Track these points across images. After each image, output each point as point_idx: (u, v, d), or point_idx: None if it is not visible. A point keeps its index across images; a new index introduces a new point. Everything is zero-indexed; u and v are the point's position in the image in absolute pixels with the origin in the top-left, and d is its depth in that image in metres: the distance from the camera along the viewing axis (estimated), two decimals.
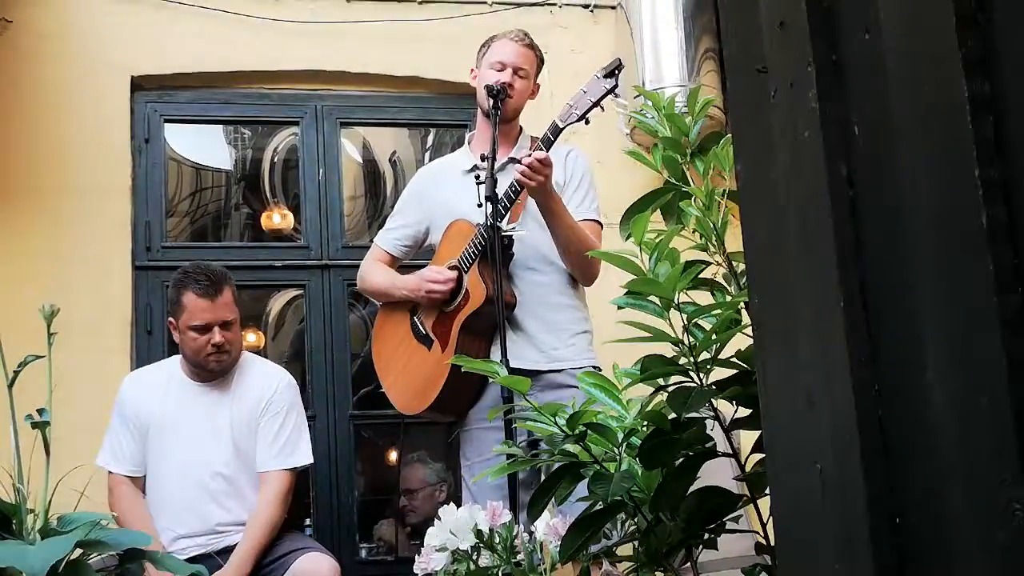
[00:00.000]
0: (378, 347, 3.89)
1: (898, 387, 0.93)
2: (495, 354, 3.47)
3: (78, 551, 2.17)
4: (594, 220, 3.65)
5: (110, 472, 3.66)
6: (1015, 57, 0.85)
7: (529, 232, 3.56)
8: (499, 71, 3.65)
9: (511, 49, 3.70)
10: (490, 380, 3.34)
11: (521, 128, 3.81)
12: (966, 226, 0.84)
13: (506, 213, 3.46)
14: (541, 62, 3.78)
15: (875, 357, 0.94)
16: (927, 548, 0.90)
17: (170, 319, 3.76)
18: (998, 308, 0.81)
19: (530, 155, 3.39)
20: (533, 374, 3.27)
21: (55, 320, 2.38)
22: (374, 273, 3.85)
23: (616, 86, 3.40)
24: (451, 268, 3.61)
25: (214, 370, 3.68)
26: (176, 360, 3.82)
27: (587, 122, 3.43)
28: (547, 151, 3.44)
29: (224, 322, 3.63)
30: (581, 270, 3.62)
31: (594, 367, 3.45)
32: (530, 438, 3.07)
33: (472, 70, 3.80)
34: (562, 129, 3.43)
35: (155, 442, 3.69)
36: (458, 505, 2.13)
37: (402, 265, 3.94)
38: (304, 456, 3.76)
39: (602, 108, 3.48)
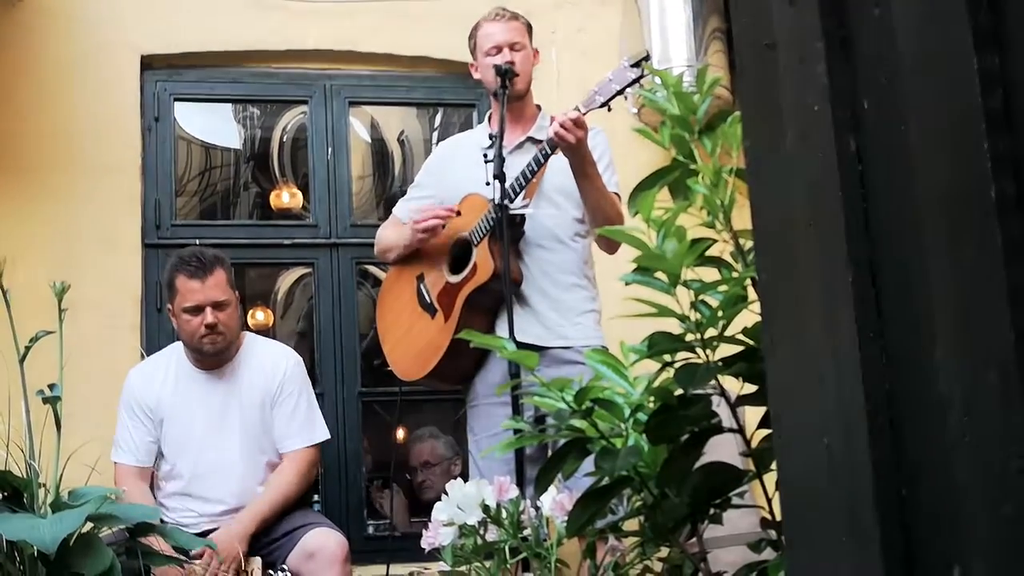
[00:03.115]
0: (382, 310, 3.92)
1: (906, 362, 0.93)
2: (499, 329, 3.49)
3: (89, 525, 2.19)
4: (615, 193, 3.66)
5: (116, 463, 3.67)
6: None
7: (541, 211, 3.57)
8: (496, 55, 3.66)
9: (496, 29, 3.72)
10: (497, 355, 3.40)
11: (539, 107, 3.82)
12: (976, 200, 0.84)
13: (521, 191, 3.47)
14: (529, 27, 3.79)
15: (883, 332, 0.94)
16: (934, 522, 0.91)
17: (168, 305, 3.79)
18: (1007, 282, 0.81)
19: (565, 114, 3.40)
20: (539, 349, 3.28)
21: (65, 297, 2.39)
22: (387, 233, 3.88)
23: (643, 76, 3.39)
24: (462, 240, 3.62)
25: (209, 352, 3.69)
26: (179, 347, 3.83)
27: (609, 109, 3.43)
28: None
29: (216, 302, 3.65)
30: (606, 240, 3.63)
31: (602, 347, 3.46)
32: (537, 413, 3.09)
33: (472, 65, 3.81)
34: (584, 114, 3.43)
35: (168, 431, 3.72)
36: (466, 480, 2.14)
37: None
38: (322, 432, 3.81)
39: (626, 97, 3.48)
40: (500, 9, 3.78)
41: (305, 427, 3.76)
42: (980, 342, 0.85)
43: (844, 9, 1.00)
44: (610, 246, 3.63)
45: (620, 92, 3.40)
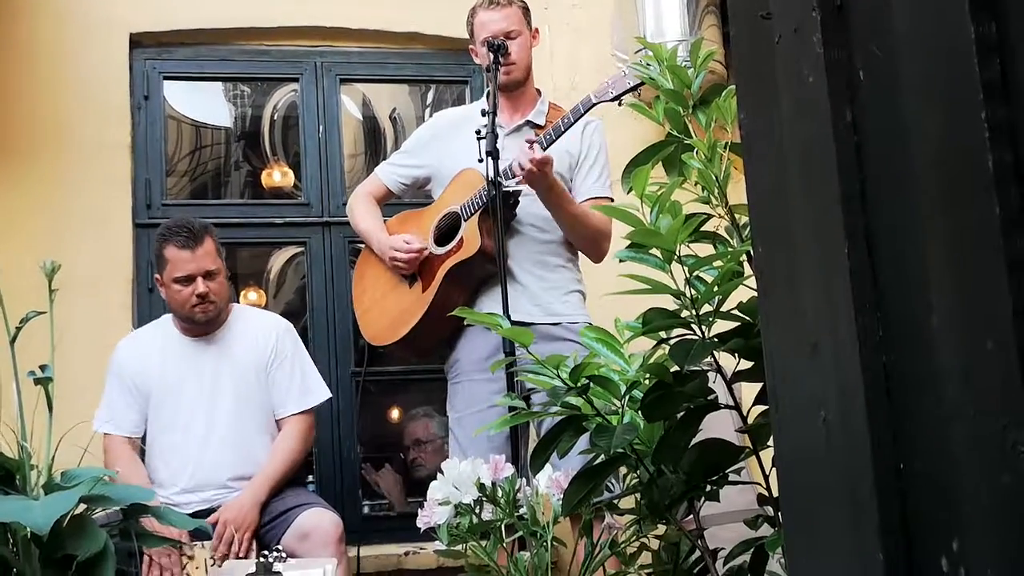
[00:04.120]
0: (360, 274, 3.93)
1: (903, 333, 0.92)
2: (480, 305, 3.50)
3: (82, 506, 2.18)
4: (607, 197, 3.65)
5: (106, 434, 3.67)
6: None
7: (534, 193, 3.56)
8: (489, 42, 3.63)
9: (490, 18, 3.70)
10: (479, 330, 3.41)
11: (540, 91, 3.80)
12: (972, 169, 0.83)
13: (513, 175, 3.46)
14: (525, 9, 3.76)
15: (879, 303, 0.93)
16: (932, 494, 0.90)
17: (156, 276, 3.79)
18: (1004, 251, 0.81)
19: (530, 145, 3.38)
20: (528, 326, 3.28)
21: (56, 277, 2.38)
22: (361, 213, 3.89)
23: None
24: (451, 215, 3.61)
25: (200, 321, 3.70)
26: (168, 319, 3.84)
27: (620, 103, 3.41)
28: (574, 122, 3.44)
29: (207, 272, 3.67)
30: (590, 251, 3.64)
31: (588, 324, 3.46)
32: (523, 391, 3.09)
33: (471, 49, 3.79)
34: (594, 105, 3.42)
35: (157, 401, 3.71)
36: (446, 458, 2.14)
37: (396, 203, 4.00)
38: (320, 393, 3.85)
39: (638, 94, 3.47)
40: None
41: (301, 392, 3.79)
42: (978, 312, 0.85)
43: None
44: (594, 255, 3.65)
45: (634, 88, 3.39)
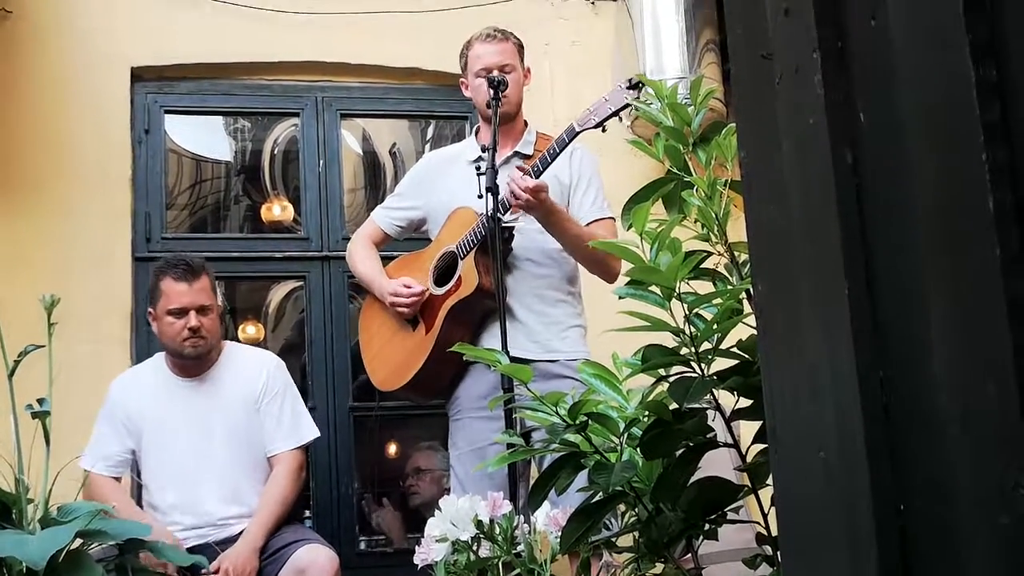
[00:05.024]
0: (366, 321, 3.94)
1: (903, 374, 0.92)
2: (482, 343, 3.49)
3: (78, 541, 2.17)
4: (608, 218, 3.65)
5: (90, 471, 3.65)
6: (1023, 41, 0.84)
7: (530, 226, 3.56)
8: (487, 77, 3.64)
9: (487, 51, 3.70)
10: (489, 368, 3.40)
11: (526, 123, 3.81)
12: (973, 211, 0.84)
13: (508, 209, 3.46)
14: (520, 46, 3.77)
15: (880, 344, 0.94)
16: (931, 535, 0.90)
17: (149, 309, 3.79)
18: (1005, 293, 0.81)
19: (523, 174, 3.39)
20: (526, 363, 3.27)
21: (55, 311, 2.38)
22: (361, 258, 3.91)
23: (638, 98, 3.39)
24: (448, 254, 3.62)
25: (190, 355, 3.70)
26: (160, 357, 3.84)
27: (604, 130, 3.42)
28: (560, 152, 3.44)
29: (201, 307, 3.68)
30: (601, 272, 3.63)
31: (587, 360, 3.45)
32: (523, 428, 3.08)
33: (462, 82, 3.80)
34: (578, 133, 3.42)
35: (150, 441, 3.70)
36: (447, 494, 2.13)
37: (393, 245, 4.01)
38: (309, 431, 3.84)
39: (620, 118, 3.47)
40: (492, 29, 3.76)
41: (292, 429, 3.78)
42: (978, 354, 0.85)
43: (841, 19, 0.99)
44: (605, 275, 3.62)
45: (615, 114, 3.39)
